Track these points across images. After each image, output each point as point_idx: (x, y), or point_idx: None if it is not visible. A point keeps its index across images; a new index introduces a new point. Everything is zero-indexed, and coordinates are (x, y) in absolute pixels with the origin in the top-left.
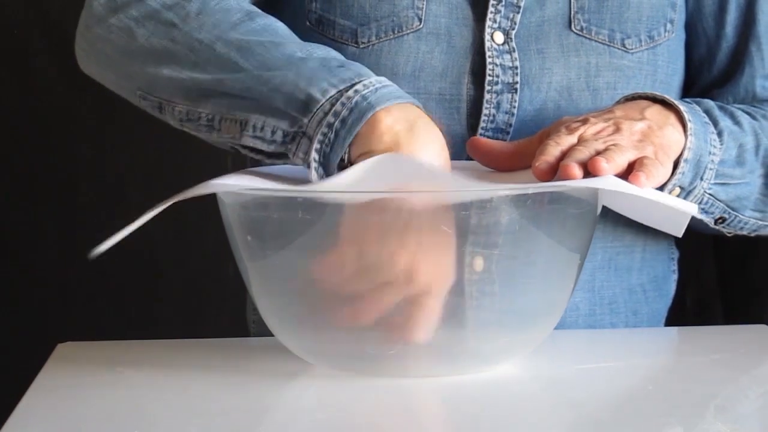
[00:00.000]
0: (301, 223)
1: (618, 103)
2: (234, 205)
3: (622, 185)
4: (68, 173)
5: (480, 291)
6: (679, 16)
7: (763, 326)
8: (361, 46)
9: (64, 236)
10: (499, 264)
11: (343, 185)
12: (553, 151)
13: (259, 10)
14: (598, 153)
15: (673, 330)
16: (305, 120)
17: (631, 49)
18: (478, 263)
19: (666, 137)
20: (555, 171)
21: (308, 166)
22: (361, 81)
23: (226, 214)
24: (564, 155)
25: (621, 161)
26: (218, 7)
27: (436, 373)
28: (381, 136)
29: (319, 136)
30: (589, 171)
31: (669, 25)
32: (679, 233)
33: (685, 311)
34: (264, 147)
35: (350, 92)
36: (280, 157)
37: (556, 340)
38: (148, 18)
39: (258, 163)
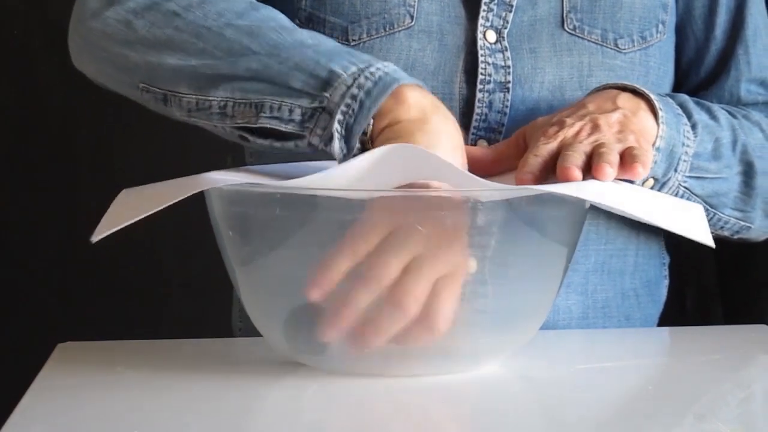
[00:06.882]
0: (285, 220)
1: (588, 94)
2: (219, 201)
3: (620, 191)
4: (68, 173)
5: (466, 291)
6: (671, 18)
7: (763, 326)
8: (352, 44)
9: (64, 236)
10: (485, 264)
11: (348, 177)
12: (534, 163)
13: (261, 3)
14: (587, 155)
15: (672, 330)
16: (327, 94)
17: (624, 49)
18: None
19: (641, 123)
20: (538, 182)
21: (327, 143)
22: (379, 62)
23: (213, 213)
24: (546, 165)
25: (616, 159)
26: None
27: (420, 373)
28: (409, 107)
29: (342, 107)
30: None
31: (661, 26)
32: (707, 240)
33: (685, 311)
34: (281, 126)
35: (372, 68)
36: (296, 138)
37: (553, 340)
38: (147, 9)
39: (256, 163)
